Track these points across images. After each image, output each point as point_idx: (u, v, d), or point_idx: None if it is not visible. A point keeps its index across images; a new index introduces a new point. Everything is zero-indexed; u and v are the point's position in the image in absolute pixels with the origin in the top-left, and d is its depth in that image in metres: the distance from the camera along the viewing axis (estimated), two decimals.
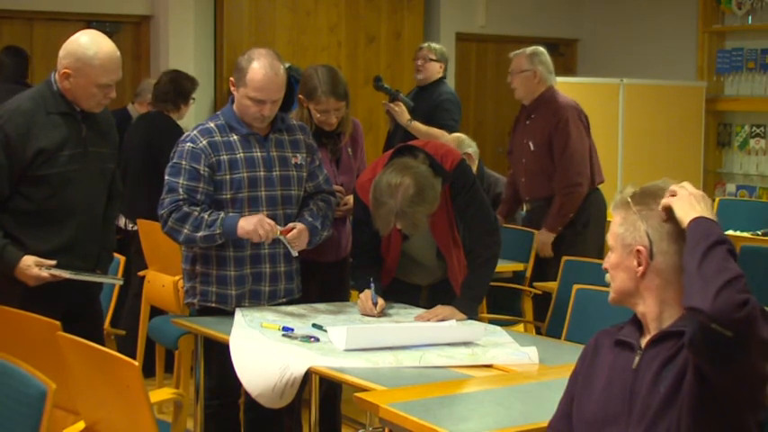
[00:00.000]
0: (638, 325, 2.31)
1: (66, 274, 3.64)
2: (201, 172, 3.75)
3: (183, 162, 3.77)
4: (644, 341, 2.26)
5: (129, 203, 5.31)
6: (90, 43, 3.65)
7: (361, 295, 3.88)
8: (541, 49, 5.62)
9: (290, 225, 3.83)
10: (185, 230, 3.73)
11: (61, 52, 3.68)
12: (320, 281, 4.29)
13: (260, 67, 3.74)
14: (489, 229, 3.96)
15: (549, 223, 5.39)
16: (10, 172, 3.60)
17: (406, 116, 5.81)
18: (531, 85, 5.50)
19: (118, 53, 3.72)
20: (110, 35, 3.89)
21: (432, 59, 6.39)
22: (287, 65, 4.25)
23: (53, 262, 3.64)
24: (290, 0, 7.95)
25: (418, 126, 5.84)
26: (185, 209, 3.73)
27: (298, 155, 3.94)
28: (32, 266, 3.61)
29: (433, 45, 6.49)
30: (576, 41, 9.57)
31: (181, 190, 3.74)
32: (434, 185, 3.72)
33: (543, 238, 5.39)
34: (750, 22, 8.46)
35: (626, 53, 9.07)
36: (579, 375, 2.38)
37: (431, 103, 6.18)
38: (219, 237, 3.74)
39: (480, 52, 9.11)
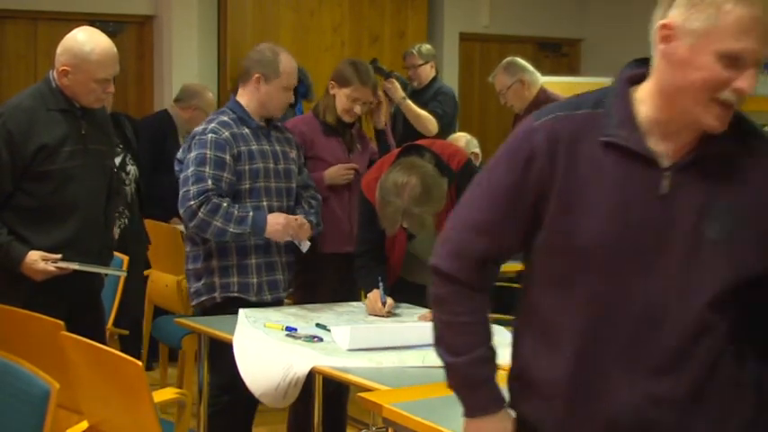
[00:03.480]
0: (632, 124, 1.77)
1: (73, 266, 3.66)
2: (227, 161, 3.80)
3: (208, 152, 3.80)
4: (664, 154, 1.77)
5: None
6: (86, 39, 3.69)
7: (370, 295, 3.88)
8: (513, 58, 5.59)
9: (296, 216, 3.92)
10: (216, 223, 3.75)
11: (59, 50, 3.71)
12: (339, 272, 4.30)
13: (287, 57, 3.96)
14: None
15: None
16: (12, 168, 3.62)
17: (401, 93, 5.81)
18: (524, 93, 5.47)
19: (114, 48, 3.76)
20: (113, 35, 3.93)
21: (420, 64, 6.43)
22: None
23: (58, 256, 3.65)
24: (294, 0, 7.95)
25: (410, 105, 5.84)
26: (215, 200, 3.76)
27: (292, 150, 4.06)
28: (39, 261, 3.62)
29: (417, 49, 6.51)
30: (579, 41, 9.55)
31: (210, 181, 3.76)
32: (441, 185, 3.71)
33: None
34: None
35: (630, 53, 8.91)
36: (548, 177, 1.84)
37: (428, 99, 6.21)
38: (248, 235, 3.80)
39: (484, 52, 9.09)
